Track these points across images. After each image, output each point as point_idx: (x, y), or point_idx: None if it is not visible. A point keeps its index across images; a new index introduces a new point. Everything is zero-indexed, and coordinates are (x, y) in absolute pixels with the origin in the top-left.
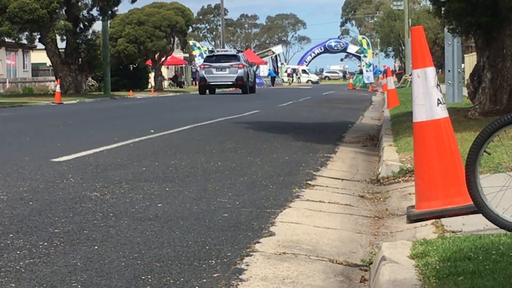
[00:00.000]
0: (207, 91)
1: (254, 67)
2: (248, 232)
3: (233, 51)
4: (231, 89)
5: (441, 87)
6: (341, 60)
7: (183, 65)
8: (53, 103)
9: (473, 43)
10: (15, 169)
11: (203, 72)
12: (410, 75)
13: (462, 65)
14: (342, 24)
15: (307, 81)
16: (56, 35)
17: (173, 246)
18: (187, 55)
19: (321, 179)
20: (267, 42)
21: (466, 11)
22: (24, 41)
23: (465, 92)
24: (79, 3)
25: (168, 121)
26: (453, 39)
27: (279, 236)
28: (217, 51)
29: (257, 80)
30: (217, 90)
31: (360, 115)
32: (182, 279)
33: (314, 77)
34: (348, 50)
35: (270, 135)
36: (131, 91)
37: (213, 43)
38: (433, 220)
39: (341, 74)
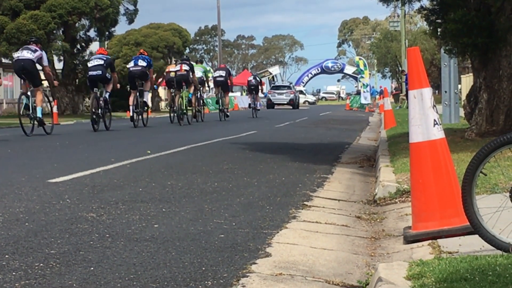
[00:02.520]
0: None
1: (297, 93)
2: (244, 253)
3: (287, 83)
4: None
5: (437, 107)
6: (338, 81)
7: None
8: (50, 123)
9: (469, 64)
10: (11, 189)
11: (270, 95)
12: (404, 95)
13: (459, 86)
14: (339, 45)
15: (304, 102)
16: (54, 55)
17: (169, 267)
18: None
19: (317, 199)
20: (264, 62)
21: (462, 32)
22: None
23: (461, 113)
24: (77, 24)
25: (165, 142)
26: (450, 60)
27: (275, 257)
28: (278, 83)
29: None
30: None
31: (357, 136)
32: None
33: (311, 98)
34: (345, 71)
35: (267, 155)
36: (128, 111)
37: (210, 64)
38: (430, 241)
39: (335, 95)
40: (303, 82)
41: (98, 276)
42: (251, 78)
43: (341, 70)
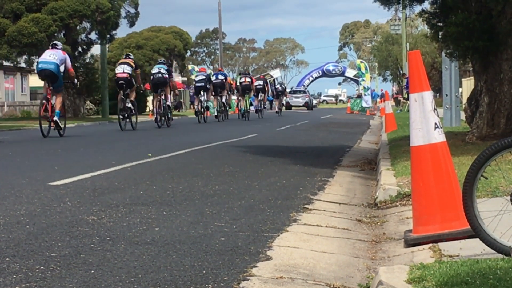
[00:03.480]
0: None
1: (311, 97)
2: (245, 256)
3: (302, 89)
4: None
5: (438, 111)
6: (339, 84)
7: (181, 89)
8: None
9: (470, 67)
10: (12, 192)
11: (288, 99)
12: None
13: (460, 89)
14: (340, 48)
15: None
16: None
17: (169, 270)
18: (185, 78)
19: (318, 203)
20: (265, 66)
21: (463, 35)
22: (23, 65)
23: (462, 116)
24: (78, 27)
25: (166, 145)
26: (451, 63)
27: (276, 260)
28: (294, 89)
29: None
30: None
31: (358, 139)
32: None
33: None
34: (346, 74)
35: (267, 159)
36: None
37: (211, 67)
38: (431, 245)
39: (334, 99)
40: (304, 85)
41: (99, 279)
42: (260, 81)
43: (342, 73)
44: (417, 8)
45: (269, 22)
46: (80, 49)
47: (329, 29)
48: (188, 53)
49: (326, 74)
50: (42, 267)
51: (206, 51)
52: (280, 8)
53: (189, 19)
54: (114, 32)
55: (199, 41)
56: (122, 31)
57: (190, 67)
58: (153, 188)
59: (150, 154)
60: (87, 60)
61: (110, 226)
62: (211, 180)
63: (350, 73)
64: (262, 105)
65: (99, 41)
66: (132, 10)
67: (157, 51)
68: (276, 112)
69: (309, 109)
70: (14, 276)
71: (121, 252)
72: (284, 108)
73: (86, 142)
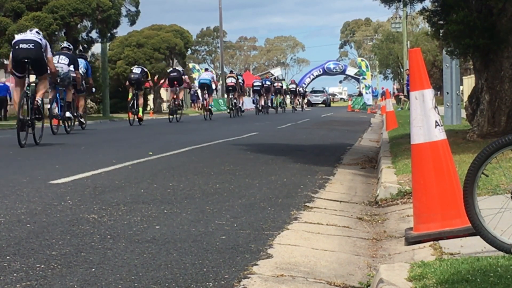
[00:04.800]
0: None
1: (329, 95)
2: (245, 254)
3: (321, 89)
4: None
5: (439, 109)
6: (340, 82)
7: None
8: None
9: (471, 65)
10: (13, 191)
11: (309, 97)
12: (405, 96)
13: (461, 87)
14: (341, 46)
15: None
16: None
17: (170, 269)
18: (186, 77)
19: (319, 201)
20: (266, 64)
21: (464, 33)
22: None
23: (463, 114)
24: (78, 26)
25: (167, 143)
26: (452, 61)
27: (276, 258)
28: (313, 89)
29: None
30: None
31: (359, 137)
32: None
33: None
34: (347, 72)
35: (268, 157)
36: (129, 113)
37: (212, 65)
38: (431, 242)
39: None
40: (305, 84)
41: (99, 277)
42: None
43: (343, 72)
44: (418, 6)
45: (269, 20)
46: (81, 47)
47: (329, 27)
48: (189, 52)
49: (327, 72)
50: (42, 266)
51: (207, 49)
52: (280, 6)
53: (190, 17)
54: (114, 30)
55: (199, 39)
56: (122, 29)
57: (191, 65)
58: (153, 186)
59: (151, 153)
60: (88, 59)
61: (110, 224)
62: (212, 179)
63: (351, 71)
64: (266, 103)
65: (99, 40)
66: (133, 9)
67: (157, 50)
68: (295, 109)
69: (327, 105)
70: (15, 275)
71: (121, 250)
72: (305, 105)
73: (87, 141)
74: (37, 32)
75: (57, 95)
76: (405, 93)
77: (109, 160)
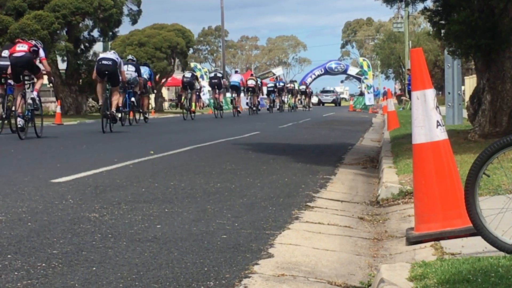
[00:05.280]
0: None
1: (339, 95)
2: (246, 254)
3: (332, 89)
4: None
5: (441, 109)
6: (342, 82)
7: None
8: (53, 124)
9: (473, 65)
10: (14, 189)
11: (319, 97)
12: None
13: (462, 87)
14: (343, 46)
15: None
16: (57, 56)
17: (171, 268)
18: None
19: (320, 200)
20: (267, 63)
21: (465, 33)
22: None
23: (465, 114)
24: (80, 25)
25: (168, 143)
26: (453, 61)
27: (277, 257)
28: (324, 89)
29: (260, 102)
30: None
31: (360, 137)
32: None
33: (314, 99)
34: (349, 72)
35: (269, 156)
36: (131, 112)
37: (213, 64)
38: (432, 242)
39: (332, 98)
40: (306, 83)
41: (100, 276)
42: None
43: (344, 71)
44: (420, 6)
45: (271, 20)
46: (82, 46)
47: (331, 27)
48: (191, 51)
49: (328, 72)
50: (43, 264)
51: (209, 48)
52: (282, 6)
53: (192, 16)
54: (116, 29)
55: (201, 38)
56: (124, 28)
57: (192, 64)
58: (155, 185)
59: (152, 152)
60: (90, 58)
61: (112, 223)
62: (213, 178)
63: (353, 71)
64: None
65: (101, 39)
66: (135, 8)
67: (159, 49)
68: (305, 108)
69: (336, 105)
70: (16, 273)
71: (122, 249)
72: (312, 104)
73: (88, 140)
74: (114, 52)
75: (127, 96)
76: (407, 94)
77: (111, 159)
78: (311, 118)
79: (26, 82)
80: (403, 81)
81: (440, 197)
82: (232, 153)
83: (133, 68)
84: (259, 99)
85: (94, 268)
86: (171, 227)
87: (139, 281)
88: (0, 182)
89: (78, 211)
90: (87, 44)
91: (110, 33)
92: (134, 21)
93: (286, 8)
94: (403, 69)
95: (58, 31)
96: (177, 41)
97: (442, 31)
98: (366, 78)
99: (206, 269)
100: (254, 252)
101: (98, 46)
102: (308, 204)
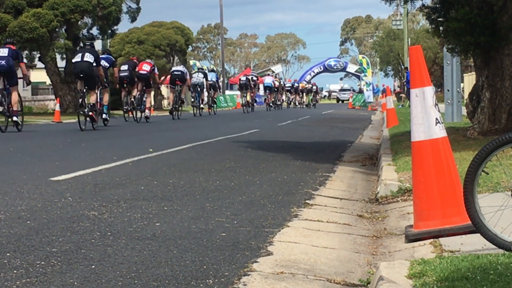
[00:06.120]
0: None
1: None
2: (246, 252)
3: (349, 88)
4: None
5: (440, 106)
6: (341, 79)
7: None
8: (52, 122)
9: (472, 63)
10: (13, 188)
11: (338, 95)
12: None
13: (461, 84)
14: (342, 44)
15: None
16: (56, 54)
17: (170, 266)
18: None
19: (319, 198)
20: (266, 61)
21: (464, 31)
22: (24, 60)
23: (464, 111)
24: (79, 22)
25: (167, 140)
26: (452, 58)
27: (277, 255)
28: (343, 87)
29: (257, 100)
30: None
31: (359, 134)
32: None
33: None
34: (348, 70)
35: (269, 154)
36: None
37: (212, 62)
38: (431, 240)
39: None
40: (305, 81)
41: (99, 274)
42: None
43: (343, 69)
44: (418, 3)
45: (270, 17)
46: (81, 44)
47: (330, 25)
48: (190, 49)
49: (327, 69)
50: (42, 263)
51: (208, 46)
52: (281, 3)
53: (191, 14)
54: (115, 27)
55: (200, 36)
56: (123, 26)
57: (191, 62)
58: (154, 183)
59: (151, 150)
60: None
61: (111, 221)
62: (212, 176)
63: (352, 68)
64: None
65: (100, 36)
66: (134, 5)
67: (158, 47)
68: (313, 105)
69: None
70: (15, 271)
71: (121, 248)
72: (319, 101)
73: (87, 137)
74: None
75: (197, 96)
76: (405, 92)
77: (110, 157)
78: (310, 115)
79: None
80: (402, 78)
81: (439, 195)
82: (231, 151)
83: (201, 75)
84: (255, 97)
85: (93, 266)
86: (170, 225)
87: (138, 279)
88: None
89: (77, 209)
90: (86, 42)
91: (109, 31)
92: (133, 19)
93: (285, 6)
94: (402, 67)
95: (57, 29)
96: (176, 39)
97: (441, 28)
98: (365, 76)
99: (205, 267)
100: (253, 250)
101: (97, 44)
102: (307, 201)
